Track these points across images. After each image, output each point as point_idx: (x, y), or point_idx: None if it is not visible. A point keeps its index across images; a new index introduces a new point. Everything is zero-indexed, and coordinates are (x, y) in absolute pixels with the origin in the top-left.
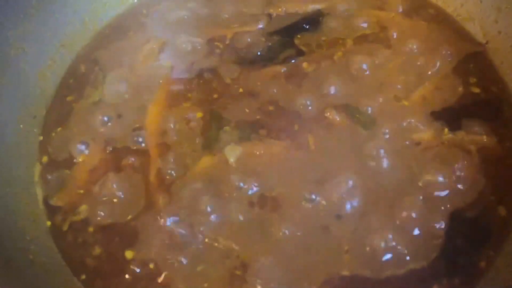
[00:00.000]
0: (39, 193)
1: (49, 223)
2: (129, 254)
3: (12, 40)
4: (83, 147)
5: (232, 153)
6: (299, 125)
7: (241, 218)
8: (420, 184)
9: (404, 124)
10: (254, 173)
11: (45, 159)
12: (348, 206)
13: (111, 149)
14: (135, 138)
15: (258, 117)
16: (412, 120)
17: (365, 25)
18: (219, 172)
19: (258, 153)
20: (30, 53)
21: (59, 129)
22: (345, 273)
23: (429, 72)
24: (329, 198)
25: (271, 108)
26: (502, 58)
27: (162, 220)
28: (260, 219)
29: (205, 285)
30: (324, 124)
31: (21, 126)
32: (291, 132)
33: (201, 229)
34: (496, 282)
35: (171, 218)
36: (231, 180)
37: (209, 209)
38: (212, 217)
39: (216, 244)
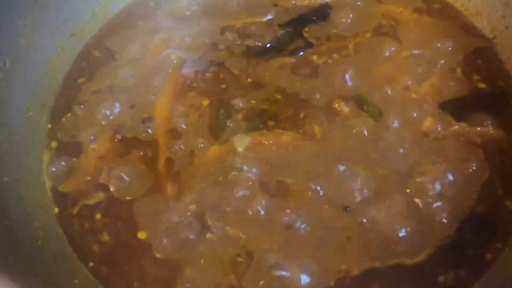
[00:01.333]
0: (47, 180)
1: (56, 209)
2: (141, 235)
3: (22, 29)
4: (91, 135)
5: (241, 142)
6: (307, 115)
7: (248, 207)
8: (426, 176)
9: (412, 115)
10: (262, 162)
11: (53, 146)
12: (356, 198)
13: (120, 137)
14: (144, 127)
15: (266, 107)
16: (420, 112)
17: (373, 19)
18: (227, 161)
19: (266, 143)
20: (40, 42)
21: (68, 115)
22: (353, 264)
23: (437, 66)
24: (337, 189)
25: (279, 98)
26: (509, 53)
27: (171, 209)
28: (267, 209)
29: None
30: (333, 114)
31: (30, 114)
32: (300, 122)
33: (209, 218)
34: (502, 275)
35: (180, 206)
36: (238, 169)
37: (217, 197)
38: (220, 206)
39: (223, 233)
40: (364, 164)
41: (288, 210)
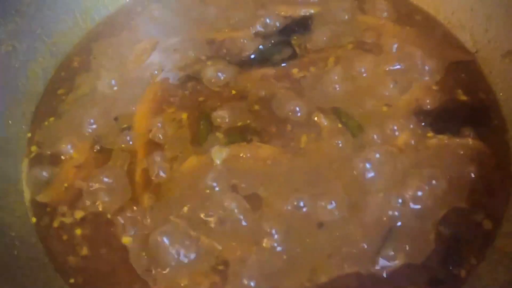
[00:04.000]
0: (26, 189)
1: (34, 219)
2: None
3: (2, 36)
4: (70, 144)
5: (219, 154)
6: (287, 128)
7: (223, 219)
8: (406, 191)
9: (392, 128)
10: (238, 175)
11: (32, 155)
12: (331, 214)
13: (98, 147)
14: (123, 137)
15: (248, 120)
16: (399, 125)
17: (356, 31)
18: (203, 173)
19: (244, 156)
20: (21, 50)
21: (47, 123)
22: (325, 278)
23: (418, 78)
24: (313, 205)
25: (260, 110)
26: (491, 67)
27: (148, 220)
28: (242, 221)
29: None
30: (312, 128)
31: (10, 122)
32: (279, 135)
33: (185, 228)
34: (490, 280)
35: (155, 218)
36: (213, 181)
37: (190, 209)
38: (195, 217)
39: (199, 244)
40: (342, 179)
41: (263, 223)
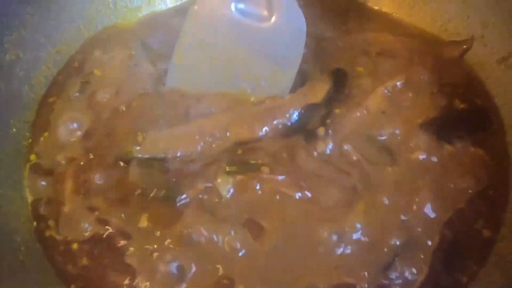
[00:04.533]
0: (28, 196)
1: (35, 223)
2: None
3: (7, 45)
4: (69, 153)
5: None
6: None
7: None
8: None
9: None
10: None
11: (33, 163)
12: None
13: (92, 156)
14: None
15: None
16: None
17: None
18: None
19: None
20: (25, 58)
21: (45, 133)
22: None
23: (416, 86)
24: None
25: None
26: (488, 73)
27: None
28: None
29: None
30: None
31: (14, 130)
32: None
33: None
34: (486, 283)
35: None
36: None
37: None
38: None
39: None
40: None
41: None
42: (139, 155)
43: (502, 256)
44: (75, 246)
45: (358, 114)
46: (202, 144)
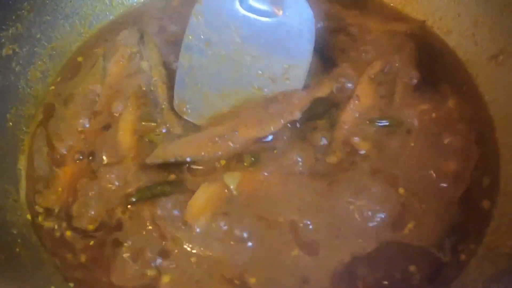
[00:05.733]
0: (24, 189)
1: (29, 217)
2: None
3: (3, 41)
4: (65, 148)
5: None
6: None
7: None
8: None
9: None
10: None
11: (31, 156)
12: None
13: (90, 158)
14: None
15: None
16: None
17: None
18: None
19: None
20: (21, 54)
21: (41, 128)
22: None
23: (406, 83)
24: None
25: None
26: (478, 71)
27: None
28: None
29: None
30: None
31: (10, 124)
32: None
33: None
34: (477, 274)
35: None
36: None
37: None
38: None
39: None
40: None
41: None
42: (149, 162)
43: (492, 248)
44: (71, 238)
45: (352, 105)
46: (211, 146)
